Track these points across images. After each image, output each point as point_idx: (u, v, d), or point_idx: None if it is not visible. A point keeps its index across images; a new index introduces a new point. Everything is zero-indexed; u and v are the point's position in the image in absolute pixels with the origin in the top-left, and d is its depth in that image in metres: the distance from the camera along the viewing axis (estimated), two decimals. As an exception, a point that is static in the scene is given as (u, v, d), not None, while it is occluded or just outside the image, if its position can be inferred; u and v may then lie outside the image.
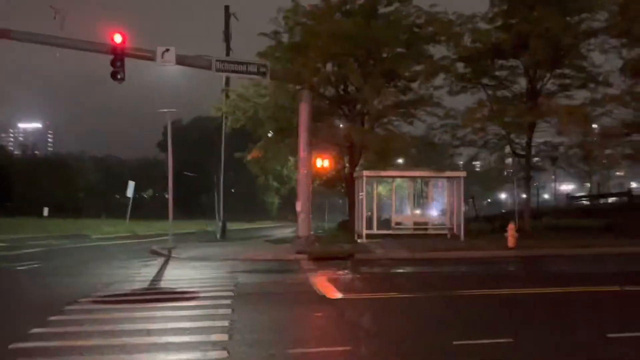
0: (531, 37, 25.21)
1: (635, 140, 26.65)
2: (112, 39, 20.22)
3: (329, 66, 27.65)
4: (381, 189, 29.81)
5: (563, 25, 25.42)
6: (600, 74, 26.75)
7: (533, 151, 28.56)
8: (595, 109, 26.36)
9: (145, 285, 14.27)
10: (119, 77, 20.11)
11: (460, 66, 28.06)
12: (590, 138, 27.73)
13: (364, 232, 25.74)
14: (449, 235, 26.15)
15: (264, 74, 22.46)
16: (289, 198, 27.83)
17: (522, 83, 28.37)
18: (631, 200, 37.87)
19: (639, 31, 24.44)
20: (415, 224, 27.18)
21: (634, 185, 44.55)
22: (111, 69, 20.07)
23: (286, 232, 41.90)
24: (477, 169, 55.00)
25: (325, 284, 14.08)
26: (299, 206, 24.11)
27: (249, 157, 31.84)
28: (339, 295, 12.50)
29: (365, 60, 27.44)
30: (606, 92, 26.52)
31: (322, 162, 29.68)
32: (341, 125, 29.70)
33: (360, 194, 26.69)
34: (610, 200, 45.30)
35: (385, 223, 27.00)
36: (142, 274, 16.66)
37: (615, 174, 44.45)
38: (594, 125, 27.68)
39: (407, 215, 27.91)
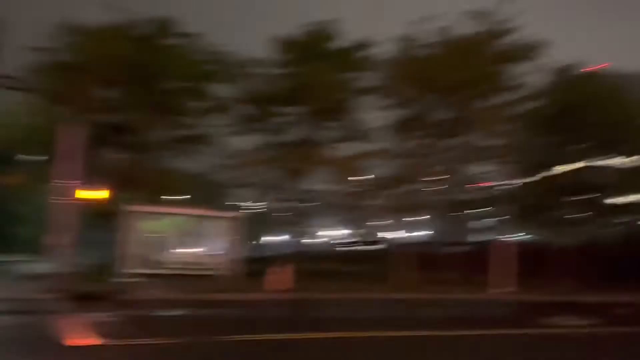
0: (306, 88, 26.48)
1: (397, 193, 29.02)
2: None
3: (101, 91, 26.01)
4: (152, 225, 28.46)
5: (336, 80, 27.11)
6: (370, 129, 28.92)
7: (303, 197, 29.73)
8: (363, 161, 28.35)
9: None
10: None
11: (241, 108, 28.40)
12: (357, 188, 29.69)
13: (130, 270, 24.24)
14: (220, 276, 25.73)
15: (19, 90, 20.40)
16: (49, 230, 25.16)
17: (298, 131, 29.55)
18: (386, 249, 41.14)
19: (408, 94, 27.01)
20: (187, 263, 26.33)
21: (394, 235, 48.56)
22: None
23: (43, 267, 37.98)
24: (256, 210, 55.96)
25: (77, 328, 12.75)
26: (57, 239, 22.00)
27: (4, 182, 28.49)
28: (90, 341, 11.34)
29: (141, 90, 26.33)
30: (374, 147, 28.69)
31: (88, 193, 27.51)
32: (112, 156, 28.00)
33: (128, 229, 25.19)
34: (371, 247, 48.79)
35: (155, 262, 25.73)
36: None
37: (381, 222, 48.30)
38: (364, 177, 29.71)
39: (179, 254, 26.94)
